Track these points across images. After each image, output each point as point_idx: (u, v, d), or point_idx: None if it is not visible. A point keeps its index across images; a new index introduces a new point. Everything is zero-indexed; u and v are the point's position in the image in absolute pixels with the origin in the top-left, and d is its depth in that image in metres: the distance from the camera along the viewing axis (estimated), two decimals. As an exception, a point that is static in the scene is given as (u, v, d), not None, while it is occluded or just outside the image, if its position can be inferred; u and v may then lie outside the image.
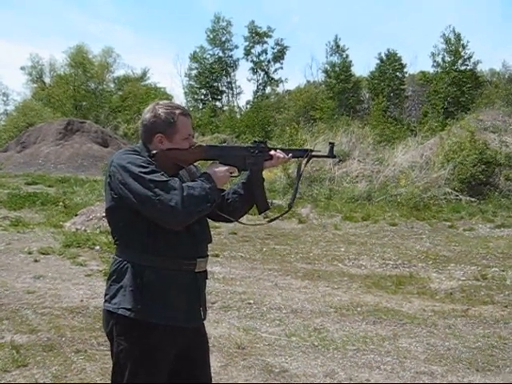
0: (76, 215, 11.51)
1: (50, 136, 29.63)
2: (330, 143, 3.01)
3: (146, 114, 2.70)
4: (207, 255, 2.77)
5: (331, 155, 2.97)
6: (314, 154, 2.93)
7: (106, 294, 2.67)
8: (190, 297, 2.69)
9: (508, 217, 12.07)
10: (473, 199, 13.85)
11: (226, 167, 2.69)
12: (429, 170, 15.04)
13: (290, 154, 2.88)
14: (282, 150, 2.88)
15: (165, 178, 2.47)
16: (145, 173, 2.47)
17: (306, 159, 2.90)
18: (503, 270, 7.76)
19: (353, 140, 17.55)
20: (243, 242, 9.43)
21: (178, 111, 2.69)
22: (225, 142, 25.43)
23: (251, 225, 3.08)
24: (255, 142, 2.82)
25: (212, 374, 3.02)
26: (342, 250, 9.30)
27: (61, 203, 13.54)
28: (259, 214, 2.93)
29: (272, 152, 2.81)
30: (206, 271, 2.81)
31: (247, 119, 34.83)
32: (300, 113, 35.68)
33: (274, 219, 3.14)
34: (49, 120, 32.51)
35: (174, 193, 2.43)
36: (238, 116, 40.10)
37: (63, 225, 11.08)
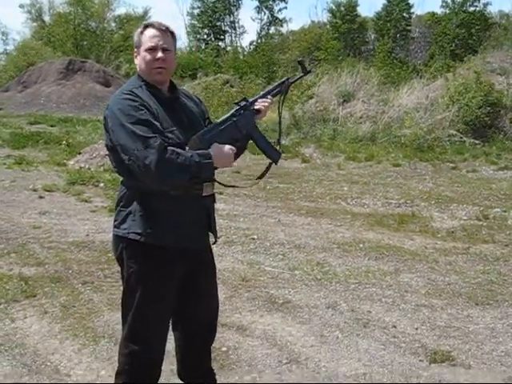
0: (79, 153, 11.51)
1: (51, 76, 29.28)
2: (298, 62, 3.02)
3: None
4: (213, 180, 2.78)
5: (306, 72, 2.99)
6: (291, 81, 2.95)
7: (115, 220, 2.72)
8: (199, 221, 2.73)
9: (512, 159, 12.05)
10: (477, 141, 13.77)
11: (228, 146, 2.65)
12: (433, 111, 14.88)
13: (270, 96, 2.88)
14: (261, 96, 2.88)
15: (145, 134, 2.44)
16: (131, 123, 2.47)
17: (285, 90, 2.91)
18: (505, 211, 7.80)
19: (357, 81, 17.30)
20: (246, 181, 9.44)
21: (147, 23, 2.70)
22: (227, 83, 25.10)
23: (239, 187, 3.00)
24: (236, 103, 2.82)
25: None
26: (345, 189, 9.33)
27: (64, 142, 13.50)
28: (275, 164, 2.91)
29: (257, 107, 2.81)
30: (213, 195, 2.83)
31: (251, 60, 34.32)
32: (304, 53, 35.11)
33: (264, 174, 2.92)
34: (49, 59, 32.04)
35: (150, 151, 2.41)
36: (242, 57, 39.49)
37: (67, 163, 11.11)
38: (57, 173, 10.20)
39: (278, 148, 2.93)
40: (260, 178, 2.93)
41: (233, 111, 2.79)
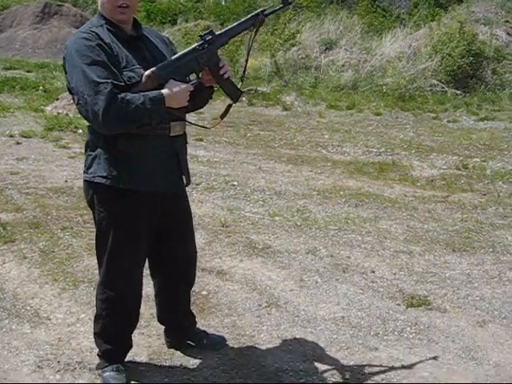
0: (57, 99, 11.26)
1: (27, 19, 28.39)
2: None
3: None
4: (183, 119, 2.70)
5: (286, 3, 2.73)
6: (266, 13, 2.72)
7: (84, 166, 2.69)
8: (168, 162, 2.66)
9: (492, 110, 12.04)
10: (458, 92, 13.73)
11: (185, 85, 2.53)
12: (416, 60, 14.75)
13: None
14: (230, 29, 2.71)
15: (97, 79, 2.36)
16: (85, 64, 2.39)
17: (259, 24, 2.69)
18: (484, 161, 7.84)
19: (340, 29, 17.06)
20: (227, 128, 9.36)
21: None
22: (208, 29, 24.64)
23: (198, 125, 2.86)
24: (200, 36, 2.62)
25: (197, 249, 3.11)
26: (326, 137, 9.30)
27: (41, 88, 13.20)
28: (234, 102, 2.79)
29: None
30: (184, 135, 2.75)
31: (233, 6, 33.61)
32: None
33: (225, 113, 2.82)
34: (24, 2, 31.07)
35: (100, 98, 2.33)
36: (223, 3, 38.65)
37: (44, 109, 10.87)
38: (34, 119, 10.00)
39: (240, 85, 2.79)
40: (222, 117, 2.83)
41: (196, 45, 2.63)
